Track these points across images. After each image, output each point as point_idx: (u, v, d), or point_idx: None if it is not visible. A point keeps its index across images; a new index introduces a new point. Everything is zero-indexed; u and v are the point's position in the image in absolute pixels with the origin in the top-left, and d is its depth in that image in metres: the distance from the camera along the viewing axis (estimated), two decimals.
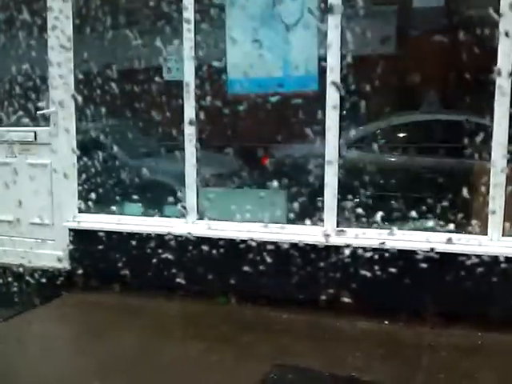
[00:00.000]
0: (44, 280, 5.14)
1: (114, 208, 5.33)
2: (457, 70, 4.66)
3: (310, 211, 4.76)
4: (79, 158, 5.39)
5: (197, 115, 4.94)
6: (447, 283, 4.15)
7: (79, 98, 5.28)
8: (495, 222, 4.24)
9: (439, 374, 3.52)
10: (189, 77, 4.92)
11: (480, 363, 3.65)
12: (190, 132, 4.96)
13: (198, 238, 4.80)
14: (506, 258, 4.09)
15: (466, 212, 4.45)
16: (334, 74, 4.52)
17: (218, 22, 4.94)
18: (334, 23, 4.46)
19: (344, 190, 4.66)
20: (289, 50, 4.82)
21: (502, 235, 4.25)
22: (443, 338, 4.02)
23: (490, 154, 4.23)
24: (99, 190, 5.38)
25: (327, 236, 4.54)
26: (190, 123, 4.95)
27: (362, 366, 3.62)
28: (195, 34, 4.89)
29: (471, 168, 4.59)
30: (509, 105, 4.14)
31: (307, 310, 4.39)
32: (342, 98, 4.58)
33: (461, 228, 4.39)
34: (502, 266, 4.06)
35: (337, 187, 4.61)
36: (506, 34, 4.07)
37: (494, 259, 4.08)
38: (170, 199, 5.14)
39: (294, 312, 4.46)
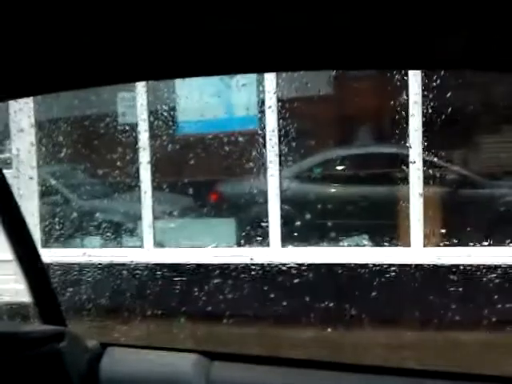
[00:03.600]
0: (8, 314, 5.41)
1: (74, 242, 5.72)
2: (380, 110, 5.41)
3: (256, 235, 5.31)
4: (41, 199, 5.77)
5: (150, 156, 5.46)
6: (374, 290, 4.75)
7: (40, 145, 5.71)
8: (416, 235, 4.90)
9: None
10: (142, 120, 5.46)
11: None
12: (144, 171, 5.47)
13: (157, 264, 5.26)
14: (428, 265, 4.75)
15: (393, 229, 5.11)
16: (272, 115, 5.16)
17: None
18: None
19: (286, 216, 5.24)
20: (231, 94, 5.44)
21: (424, 246, 4.91)
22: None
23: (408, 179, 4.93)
24: (61, 227, 5.76)
25: None
26: (145, 163, 5.47)
27: None
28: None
29: (396, 192, 5.27)
30: (421, 134, 4.86)
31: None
32: (280, 136, 5.21)
33: (389, 242, 5.03)
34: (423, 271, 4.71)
35: (279, 214, 5.19)
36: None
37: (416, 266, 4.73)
38: (128, 232, 5.59)
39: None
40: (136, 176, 5.55)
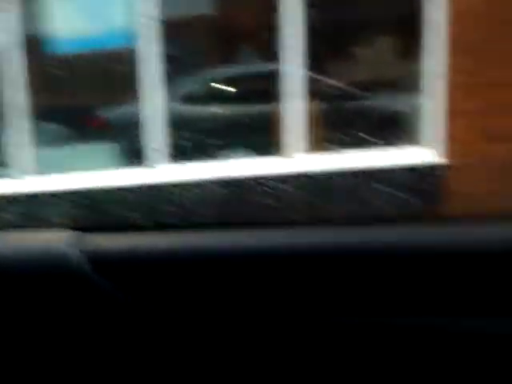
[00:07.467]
0: None
1: None
2: (259, 27, 5.44)
3: (140, 157, 5.30)
4: None
5: (25, 79, 5.20)
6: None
7: None
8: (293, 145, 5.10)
9: None
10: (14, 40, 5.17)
11: None
12: (19, 96, 5.22)
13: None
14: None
15: (273, 141, 5.28)
16: (150, 31, 5.05)
17: None
18: None
19: (169, 136, 5.25)
20: (105, 9, 5.24)
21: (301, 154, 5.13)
22: None
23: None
24: None
25: None
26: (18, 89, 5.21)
27: None
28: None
29: (276, 107, 5.39)
30: (300, 49, 4.96)
31: None
32: (161, 55, 5.12)
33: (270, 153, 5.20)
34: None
35: (163, 134, 5.18)
36: None
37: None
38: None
39: None
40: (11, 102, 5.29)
